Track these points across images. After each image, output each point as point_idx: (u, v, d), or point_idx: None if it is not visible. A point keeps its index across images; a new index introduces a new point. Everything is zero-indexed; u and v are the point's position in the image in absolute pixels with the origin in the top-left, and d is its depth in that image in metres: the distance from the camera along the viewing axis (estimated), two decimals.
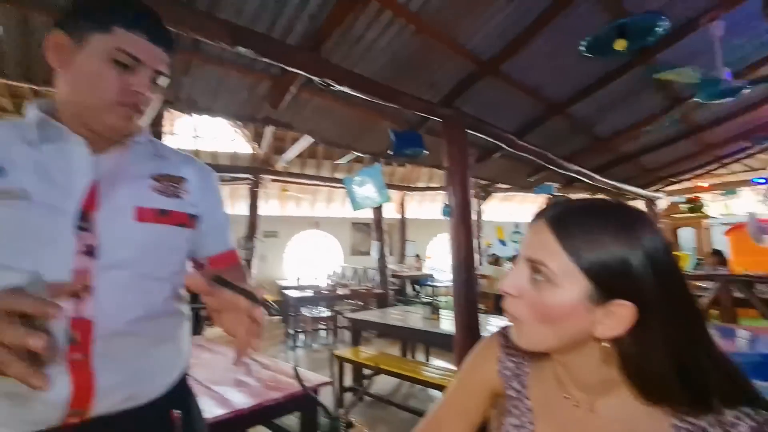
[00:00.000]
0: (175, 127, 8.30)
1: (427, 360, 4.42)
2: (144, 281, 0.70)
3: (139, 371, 0.69)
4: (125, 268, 0.68)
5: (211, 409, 1.58)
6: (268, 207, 9.74)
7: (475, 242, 2.65)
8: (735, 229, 7.52)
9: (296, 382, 1.78)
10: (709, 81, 2.39)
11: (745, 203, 9.70)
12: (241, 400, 1.71)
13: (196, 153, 8.27)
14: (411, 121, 2.97)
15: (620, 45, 1.86)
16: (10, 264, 0.59)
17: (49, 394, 0.60)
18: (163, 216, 0.73)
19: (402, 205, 11.00)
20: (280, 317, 7.48)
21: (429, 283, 9.20)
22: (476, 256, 6.09)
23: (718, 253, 6.07)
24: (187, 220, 0.78)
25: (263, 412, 1.71)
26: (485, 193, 9.65)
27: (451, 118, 2.71)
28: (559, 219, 0.50)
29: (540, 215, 0.53)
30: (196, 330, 4.99)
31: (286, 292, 6.37)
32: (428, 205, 11.31)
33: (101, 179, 0.68)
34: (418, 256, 10.00)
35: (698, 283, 4.25)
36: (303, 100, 2.53)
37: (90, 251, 0.64)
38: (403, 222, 11.03)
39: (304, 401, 1.80)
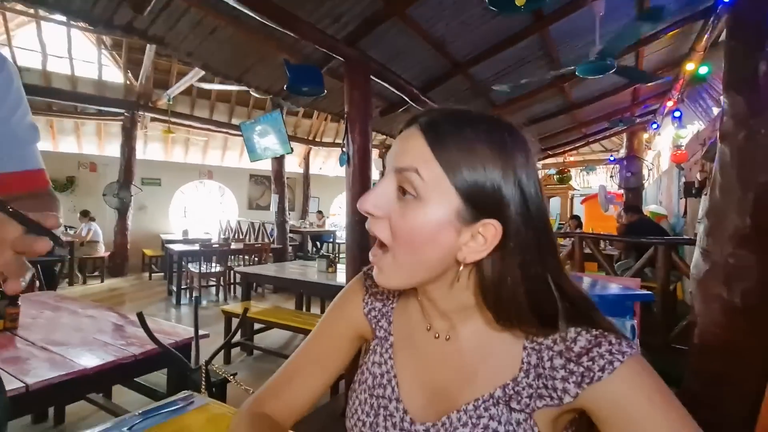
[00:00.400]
0: (13, 37, 6.47)
1: (322, 313, 4.44)
2: None
3: None
4: None
5: (43, 372, 1.32)
6: (149, 151, 8.48)
7: None
8: (589, 198, 9.13)
9: (168, 338, 1.58)
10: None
11: (600, 179, 11.62)
12: (91, 361, 1.46)
13: (46, 74, 6.64)
14: (312, 58, 2.71)
15: (520, 0, 1.90)
16: None
17: None
18: None
19: (306, 159, 10.59)
20: (162, 274, 6.77)
21: (331, 240, 9.20)
22: None
23: (576, 218, 7.32)
24: None
25: (118, 371, 1.48)
26: (387, 151, 9.79)
27: (355, 59, 2.54)
28: (435, 126, 0.45)
29: (412, 121, 0.47)
30: (49, 285, 4.27)
31: (169, 246, 5.72)
32: (334, 162, 11.08)
33: None
34: (320, 212, 9.85)
35: (560, 241, 5.07)
36: (177, 10, 2.07)
37: None
38: (306, 177, 10.67)
39: (170, 357, 1.60)
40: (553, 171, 9.66)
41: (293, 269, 3.98)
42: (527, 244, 0.44)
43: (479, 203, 0.43)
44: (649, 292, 2.40)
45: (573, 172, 10.50)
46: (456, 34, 3.01)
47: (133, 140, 7.06)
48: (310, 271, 3.77)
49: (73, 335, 1.71)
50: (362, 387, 0.57)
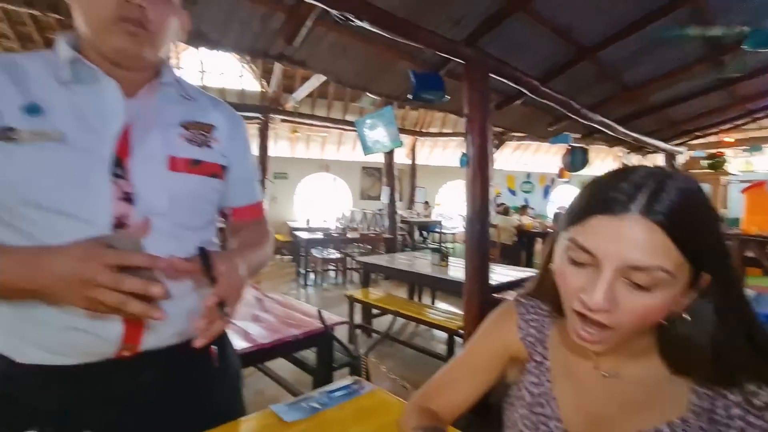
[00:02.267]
0: (180, 61, 7.96)
1: (433, 303, 4.61)
2: (180, 230, 0.71)
3: (183, 310, 0.71)
4: (162, 216, 0.68)
5: (236, 342, 1.69)
6: (277, 148, 9.63)
7: None
8: (753, 187, 7.31)
9: (315, 321, 1.91)
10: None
11: None
12: (261, 335, 1.83)
13: (204, 90, 7.99)
14: (430, 62, 2.80)
15: None
16: (56, 207, 0.60)
17: (105, 330, 0.64)
18: (194, 166, 0.73)
19: (413, 150, 10.80)
20: (290, 257, 7.75)
21: (437, 230, 9.33)
22: None
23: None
24: (218, 171, 0.78)
25: (283, 347, 1.83)
26: (499, 141, 9.41)
27: (475, 59, 2.55)
28: (671, 216, 0.43)
29: (625, 207, 0.44)
30: None
31: (297, 233, 6.51)
32: (440, 152, 11.09)
33: (132, 124, 0.67)
34: (427, 202, 10.02)
35: None
36: (318, 36, 2.36)
37: (128, 198, 0.65)
38: (413, 167, 10.90)
39: (320, 338, 1.92)
40: (701, 153, 8.01)
41: (404, 260, 4.18)
42: (726, 293, 0.46)
43: (704, 264, 0.45)
44: None
45: (729, 153, 8.57)
46: (584, 18, 2.77)
47: (267, 140, 8.14)
48: (421, 263, 3.93)
49: (242, 312, 2.14)
50: (520, 402, 0.65)
